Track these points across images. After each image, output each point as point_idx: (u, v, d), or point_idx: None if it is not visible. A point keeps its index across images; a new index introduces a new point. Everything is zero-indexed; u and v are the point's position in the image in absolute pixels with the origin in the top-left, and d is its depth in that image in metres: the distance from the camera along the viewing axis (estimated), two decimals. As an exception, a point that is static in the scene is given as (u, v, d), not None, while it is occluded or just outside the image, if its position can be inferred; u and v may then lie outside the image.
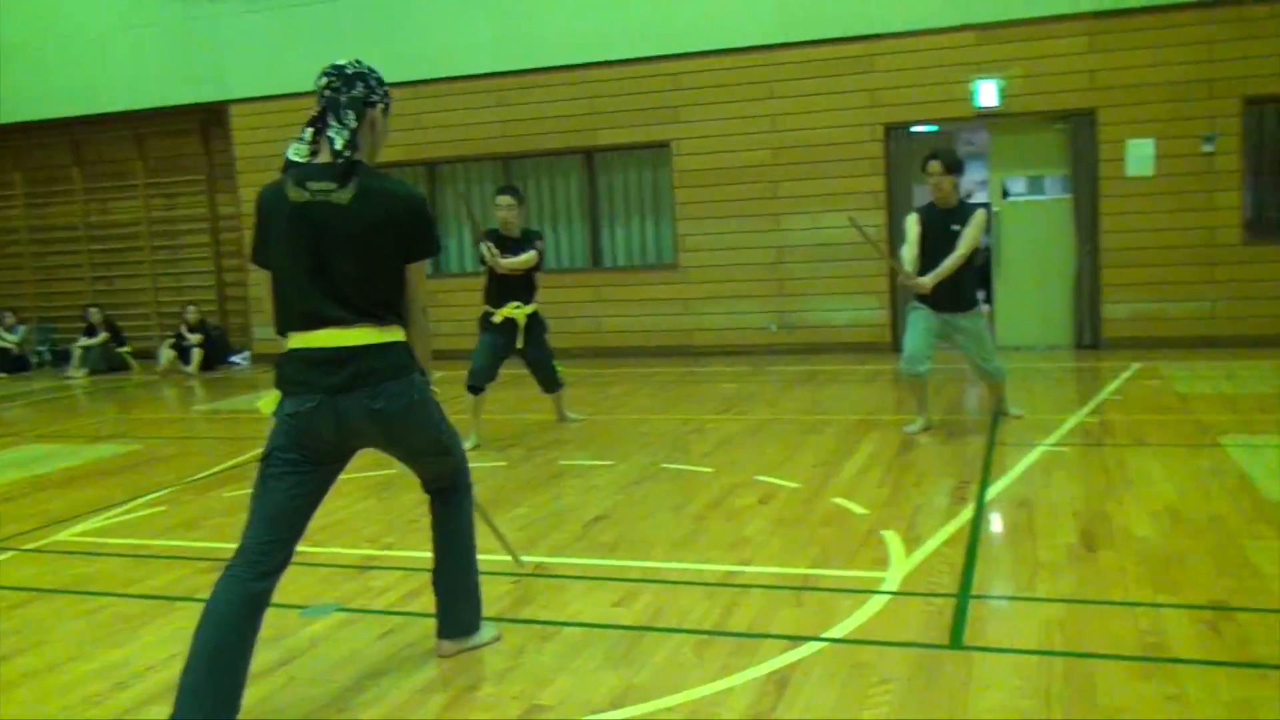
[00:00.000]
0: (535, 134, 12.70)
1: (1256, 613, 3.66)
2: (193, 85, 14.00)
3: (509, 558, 4.53)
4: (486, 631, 3.75)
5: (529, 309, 7.45)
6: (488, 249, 7.26)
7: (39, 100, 14.62)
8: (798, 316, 12.01)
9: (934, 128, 11.83)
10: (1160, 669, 3.25)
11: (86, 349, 13.78)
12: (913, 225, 6.97)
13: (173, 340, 13.48)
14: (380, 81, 3.36)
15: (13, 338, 14.52)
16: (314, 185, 3.16)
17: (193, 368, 13.07)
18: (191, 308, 13.50)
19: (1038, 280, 11.44)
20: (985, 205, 8.11)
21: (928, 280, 6.74)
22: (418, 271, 3.30)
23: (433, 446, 3.47)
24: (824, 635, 3.65)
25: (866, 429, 7.32)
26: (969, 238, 6.76)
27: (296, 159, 3.23)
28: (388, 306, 3.24)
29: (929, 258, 6.81)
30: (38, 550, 5.34)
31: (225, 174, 14.34)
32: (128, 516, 5.96)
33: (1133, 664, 3.30)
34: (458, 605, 3.67)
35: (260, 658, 3.70)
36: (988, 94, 11.23)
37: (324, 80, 3.26)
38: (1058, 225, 11.32)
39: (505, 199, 7.42)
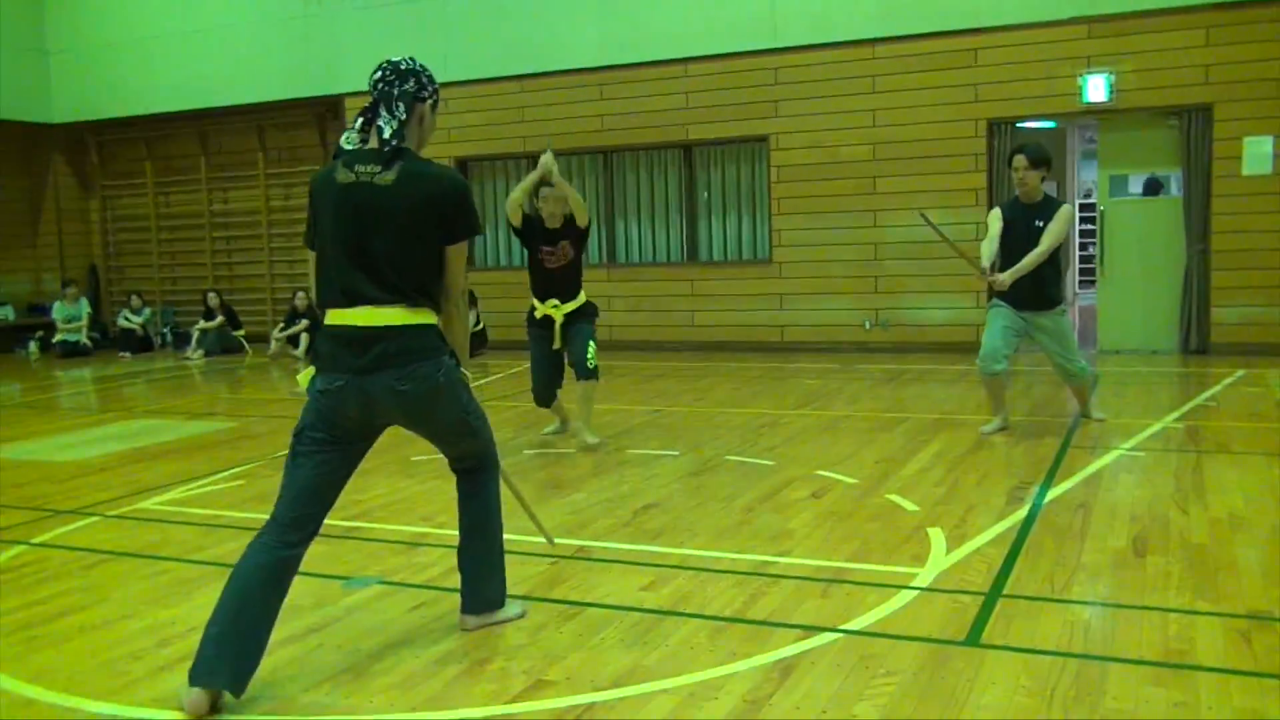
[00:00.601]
0: (635, 128, 12.79)
1: (1297, 625, 3.51)
2: (310, 79, 14.52)
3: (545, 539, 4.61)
4: (511, 608, 3.83)
5: (569, 306, 6.91)
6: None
7: (169, 93, 15.36)
8: (893, 314, 11.84)
9: (1051, 124, 11.49)
10: (1177, 675, 3.15)
11: (204, 331, 14.43)
12: (995, 220, 6.82)
13: (282, 324, 14.00)
14: (431, 79, 3.49)
15: (138, 319, 15.29)
16: (360, 168, 3.28)
17: (300, 351, 13.55)
18: (301, 294, 13.98)
19: (1144, 282, 11.04)
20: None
21: (1006, 276, 6.59)
22: (458, 255, 3.39)
23: (459, 428, 3.53)
24: (840, 627, 3.64)
25: (940, 428, 7.20)
26: (1052, 233, 6.59)
27: (348, 146, 3.37)
28: (421, 289, 3.32)
29: (1011, 254, 6.66)
30: (120, 517, 5.65)
31: (339, 165, 14.80)
32: (209, 489, 6.25)
33: (1149, 669, 3.20)
34: (482, 582, 3.75)
35: (296, 622, 3.90)
36: (1097, 89, 10.88)
37: (378, 74, 3.39)
38: (1167, 225, 10.90)
39: (553, 192, 6.92)
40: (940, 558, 4.36)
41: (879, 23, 11.63)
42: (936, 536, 4.65)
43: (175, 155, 16.13)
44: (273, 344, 13.87)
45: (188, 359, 14.12)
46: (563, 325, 6.91)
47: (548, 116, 13.15)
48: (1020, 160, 6.67)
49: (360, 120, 3.37)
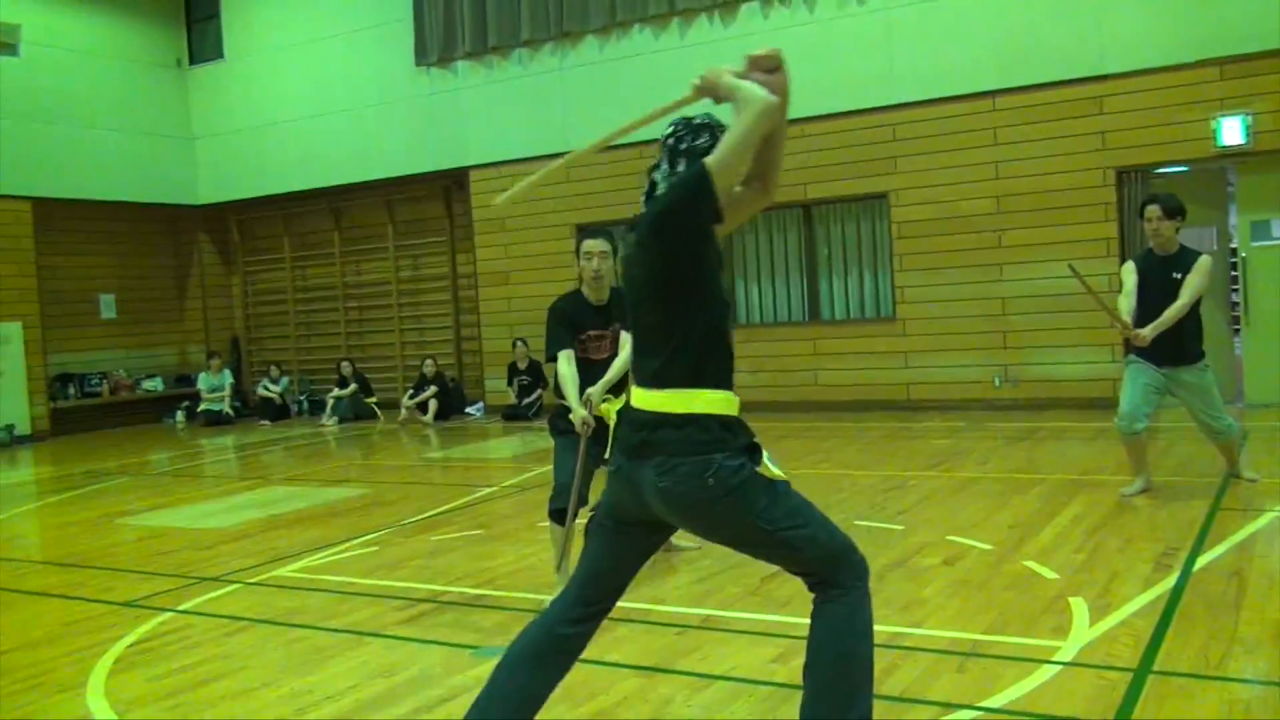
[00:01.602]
0: (752, 189, 12.81)
1: None
2: (435, 154, 15.02)
3: (675, 608, 4.57)
4: None
5: (619, 403, 5.00)
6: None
7: (303, 171, 16.08)
8: (1022, 370, 11.52)
9: (1184, 168, 11.12)
10: (1351, 762, 2.94)
11: (338, 399, 14.90)
12: (1129, 274, 6.60)
13: (412, 391, 14.36)
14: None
15: (276, 388, 15.88)
16: (629, 237, 2.96)
17: (429, 418, 13.86)
18: (429, 361, 14.36)
19: (1292, 331, 10.51)
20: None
21: (1147, 332, 6.35)
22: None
23: (757, 539, 2.86)
24: (979, 704, 3.50)
25: (1077, 489, 6.94)
26: (1192, 285, 6.33)
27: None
28: (677, 362, 2.84)
29: (1147, 308, 6.42)
30: (259, 584, 5.82)
31: (465, 235, 15.25)
32: (342, 555, 6.41)
33: (1320, 755, 2.99)
34: (817, 705, 2.92)
35: (428, 691, 3.95)
36: (1233, 131, 10.50)
37: (670, 129, 3.04)
38: (1315, 271, 10.39)
39: (598, 244, 5.22)
40: (1083, 630, 4.18)
41: (998, 75, 11.47)
42: (1079, 607, 4.46)
43: (310, 231, 16.84)
44: (403, 410, 14.22)
45: (323, 426, 14.58)
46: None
47: (666, 181, 13.27)
48: (1154, 210, 6.46)
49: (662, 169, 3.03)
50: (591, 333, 5.26)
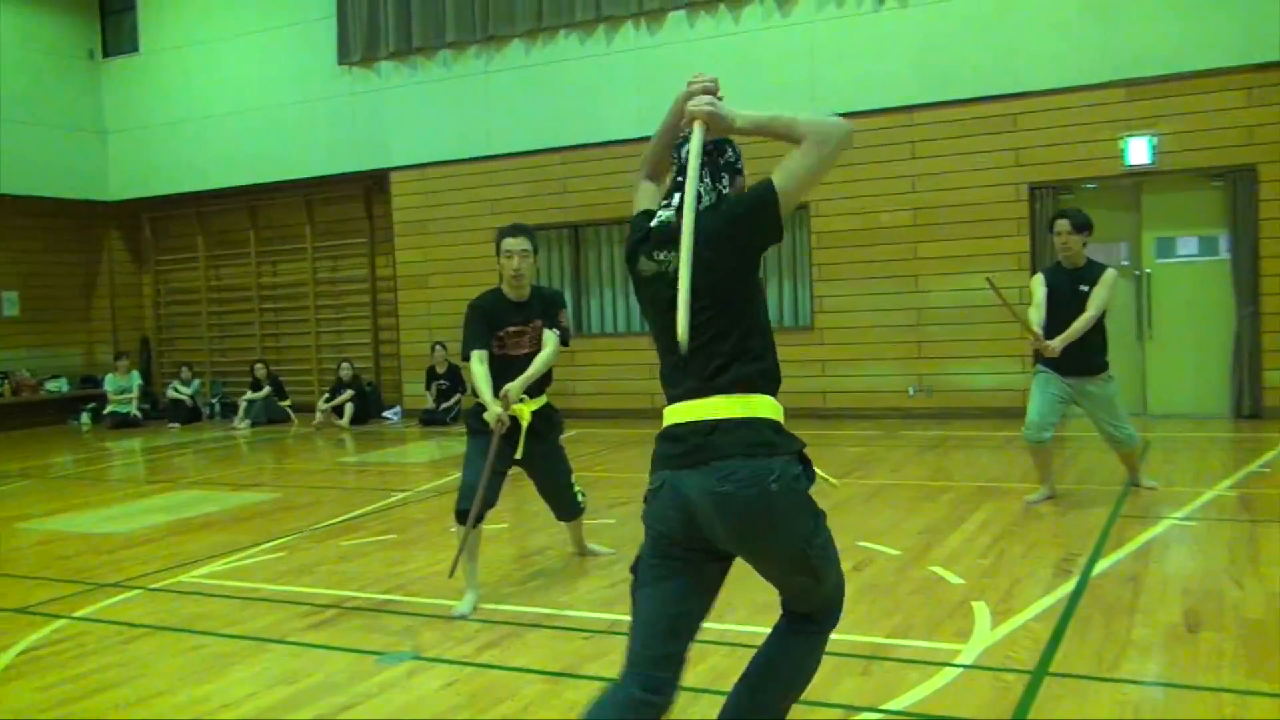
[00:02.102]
0: (675, 197, 12.86)
1: (1359, 706, 3.37)
2: (356, 155, 14.82)
3: (585, 613, 4.56)
4: None
5: (536, 403, 5.24)
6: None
7: (220, 169, 15.75)
8: (936, 380, 11.72)
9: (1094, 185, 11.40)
10: (1232, 761, 3.03)
11: (250, 402, 14.60)
12: (1039, 286, 6.75)
13: (328, 395, 14.14)
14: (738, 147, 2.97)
15: (187, 390, 15.52)
16: (659, 256, 2.80)
17: (345, 421, 13.66)
18: (346, 364, 14.15)
19: (1193, 345, 10.86)
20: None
21: (1056, 343, 6.49)
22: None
23: (793, 556, 2.75)
24: (881, 707, 3.54)
25: (985, 497, 7.07)
26: (1098, 299, 6.50)
27: (656, 222, 2.86)
28: (736, 364, 2.78)
29: (1056, 320, 6.57)
30: (161, 590, 5.67)
31: (385, 238, 15.06)
32: (249, 561, 6.27)
33: (1203, 754, 3.08)
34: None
35: (328, 700, 3.88)
36: (1139, 151, 10.82)
37: (686, 147, 2.88)
38: (1215, 287, 10.74)
39: (518, 241, 5.21)
40: (985, 633, 4.25)
41: (918, 89, 11.68)
42: (981, 611, 4.54)
43: (226, 230, 16.50)
44: (318, 414, 13.99)
45: (235, 429, 14.27)
46: (529, 432, 5.27)
47: (589, 187, 13.29)
48: (1063, 225, 6.62)
49: (677, 196, 2.84)
50: (511, 328, 5.17)
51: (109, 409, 15.38)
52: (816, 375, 12.29)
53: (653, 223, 2.85)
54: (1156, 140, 10.74)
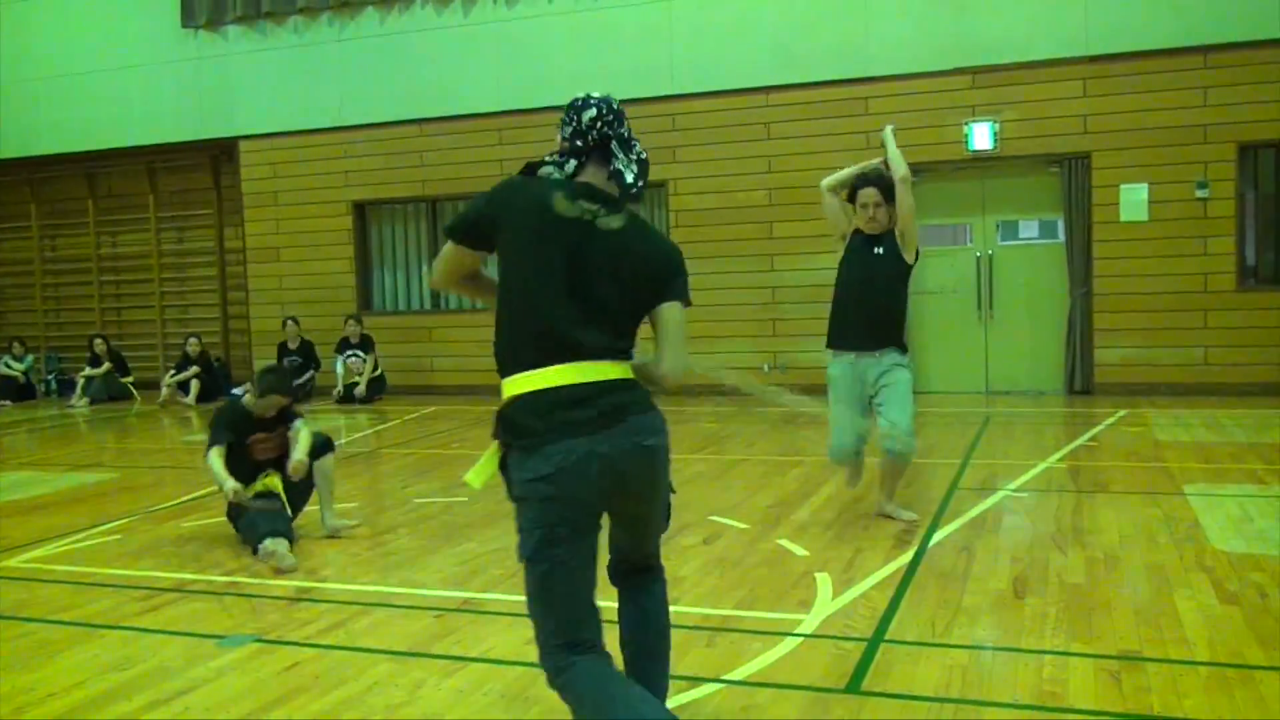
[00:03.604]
0: (534, 172, 12.79)
1: (1164, 663, 3.59)
2: (203, 121, 14.26)
3: (436, 591, 4.52)
4: None
5: (276, 478, 5.91)
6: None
7: (55, 134, 14.95)
8: (790, 358, 11.98)
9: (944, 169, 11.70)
10: (1049, 719, 3.19)
11: (90, 379, 13.95)
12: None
13: (173, 370, 13.62)
14: None
15: (20, 366, 14.72)
16: (584, 204, 2.79)
17: (191, 399, 13.19)
18: (193, 340, 13.64)
19: (1030, 325, 11.37)
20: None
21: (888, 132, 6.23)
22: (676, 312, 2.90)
23: (662, 500, 2.95)
24: (723, 677, 3.62)
25: (833, 471, 7.25)
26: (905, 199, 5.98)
27: (557, 175, 2.87)
28: (630, 344, 2.87)
29: (852, 281, 6.23)
30: (-16, 576, 5.39)
31: (234, 209, 14.55)
32: (82, 544, 6.00)
33: (1023, 713, 3.24)
34: (659, 674, 3.05)
35: (165, 685, 3.75)
36: (983, 137, 11.24)
37: (592, 112, 2.86)
38: (1051, 269, 11.27)
39: (274, 399, 5.87)
40: (826, 603, 4.38)
41: (773, 71, 11.87)
42: (824, 582, 4.67)
43: (61, 198, 15.67)
44: (163, 391, 13.47)
45: (72, 407, 13.62)
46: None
47: (446, 160, 13.10)
48: (871, 193, 6.08)
49: (573, 162, 2.85)
50: (257, 436, 5.84)
51: (-68, 387, 14.48)
52: (674, 352, 12.39)
53: (578, 179, 2.84)
54: (999, 126, 11.17)
